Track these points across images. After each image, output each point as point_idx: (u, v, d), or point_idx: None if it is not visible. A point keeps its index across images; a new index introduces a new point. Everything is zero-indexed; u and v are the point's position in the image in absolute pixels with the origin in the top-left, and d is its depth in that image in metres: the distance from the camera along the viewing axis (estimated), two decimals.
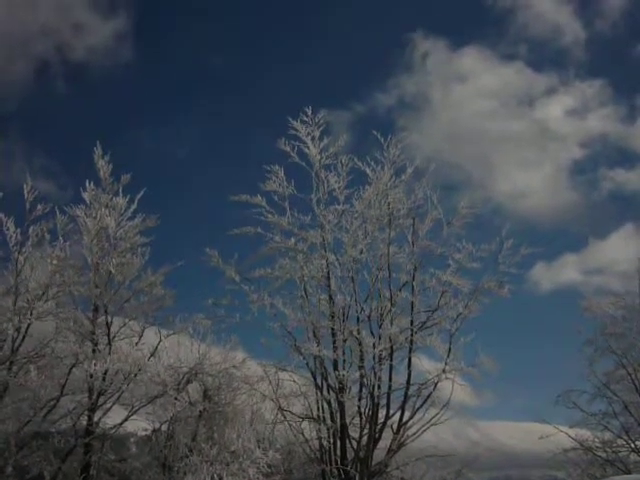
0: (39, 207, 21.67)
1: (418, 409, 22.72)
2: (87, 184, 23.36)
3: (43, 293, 21.39)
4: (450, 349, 22.62)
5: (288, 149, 23.13)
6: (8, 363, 20.89)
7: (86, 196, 23.24)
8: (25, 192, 21.70)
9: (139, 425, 24.45)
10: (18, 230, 21.43)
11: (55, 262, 21.75)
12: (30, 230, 21.57)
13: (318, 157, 23.19)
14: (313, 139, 23.31)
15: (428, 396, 22.66)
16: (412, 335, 22.45)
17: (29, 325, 21.17)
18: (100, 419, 22.20)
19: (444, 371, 22.50)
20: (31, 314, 20.99)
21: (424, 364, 23.03)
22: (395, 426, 22.57)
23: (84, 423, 22.07)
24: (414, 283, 22.82)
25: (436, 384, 22.63)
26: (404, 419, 22.62)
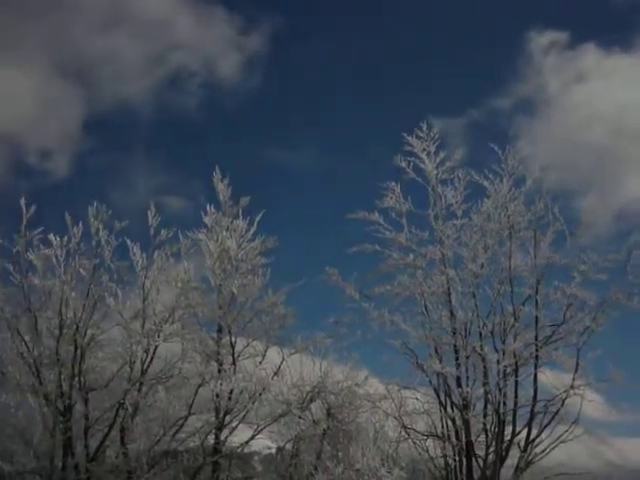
0: (163, 232, 22.47)
1: (546, 426, 22.03)
2: (208, 208, 23.99)
3: (169, 315, 22.10)
4: (578, 364, 21.89)
5: (404, 165, 23.06)
6: (138, 384, 21.59)
7: (207, 220, 23.84)
8: (150, 218, 22.58)
9: (263, 444, 24.74)
10: (144, 255, 22.29)
11: (180, 285, 22.40)
12: (155, 255, 22.37)
13: (434, 172, 22.98)
14: (429, 154, 23.12)
15: (556, 412, 21.94)
16: (537, 350, 21.83)
17: (157, 347, 21.88)
18: (227, 438, 22.60)
19: (572, 387, 21.79)
20: (159, 336, 21.70)
21: (550, 379, 22.36)
22: (522, 444, 21.97)
23: (211, 441, 22.49)
24: (537, 297, 22.12)
25: (564, 400, 21.92)
26: (531, 436, 22.00)
